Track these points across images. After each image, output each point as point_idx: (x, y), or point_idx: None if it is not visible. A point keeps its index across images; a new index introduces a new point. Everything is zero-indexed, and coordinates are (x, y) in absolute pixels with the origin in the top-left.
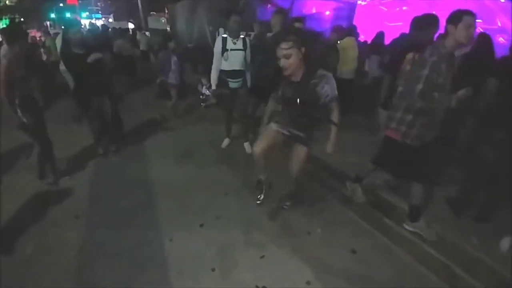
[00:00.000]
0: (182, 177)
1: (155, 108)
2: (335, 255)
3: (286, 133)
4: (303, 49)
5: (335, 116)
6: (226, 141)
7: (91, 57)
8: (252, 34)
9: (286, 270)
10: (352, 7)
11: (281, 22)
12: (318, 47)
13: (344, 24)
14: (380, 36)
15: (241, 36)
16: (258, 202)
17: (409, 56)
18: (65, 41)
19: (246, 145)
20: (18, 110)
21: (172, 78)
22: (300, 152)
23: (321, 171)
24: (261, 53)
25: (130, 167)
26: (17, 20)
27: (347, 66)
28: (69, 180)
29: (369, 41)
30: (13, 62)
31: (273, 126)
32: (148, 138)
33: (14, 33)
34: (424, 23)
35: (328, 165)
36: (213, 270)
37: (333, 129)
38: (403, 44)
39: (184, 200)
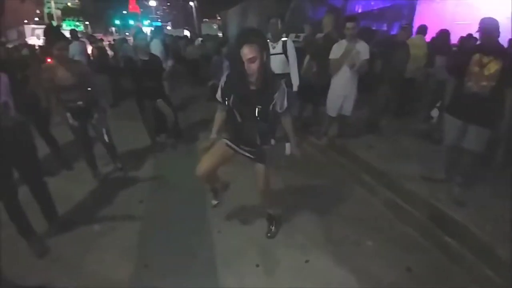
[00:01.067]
0: (230, 174)
1: (207, 108)
2: (386, 270)
3: (237, 149)
4: (265, 54)
5: (289, 128)
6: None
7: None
8: (301, 35)
9: (331, 278)
10: (412, 5)
11: (332, 22)
12: (385, 45)
13: (403, 22)
14: (444, 35)
15: (282, 39)
16: (214, 205)
17: (476, 57)
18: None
19: (287, 145)
20: (68, 115)
21: None
22: (258, 170)
23: (373, 179)
24: (311, 55)
25: (184, 162)
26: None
27: (415, 64)
28: (133, 172)
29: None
30: (51, 67)
31: (224, 141)
32: (201, 136)
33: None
34: (489, 25)
35: (382, 173)
36: (257, 266)
37: (291, 134)
38: (471, 46)
39: (231, 196)
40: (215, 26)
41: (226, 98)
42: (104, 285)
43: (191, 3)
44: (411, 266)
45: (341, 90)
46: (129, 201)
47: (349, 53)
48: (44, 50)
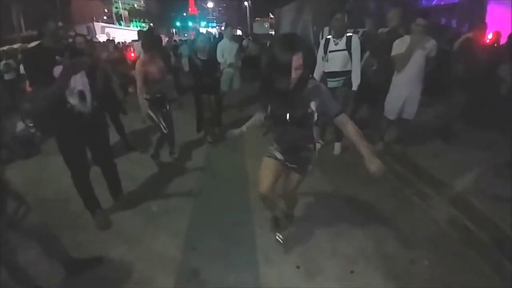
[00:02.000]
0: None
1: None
2: None
3: (285, 163)
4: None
5: (352, 134)
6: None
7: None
8: (361, 31)
9: None
10: (482, 2)
11: (399, 16)
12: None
13: (475, 20)
14: None
15: (347, 35)
16: (280, 239)
17: None
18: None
19: (337, 145)
20: (149, 106)
21: None
22: (293, 178)
23: (435, 192)
24: (372, 52)
25: (231, 155)
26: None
27: None
28: (186, 162)
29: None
30: (147, 63)
31: (272, 153)
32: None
33: (151, 40)
34: None
35: (446, 186)
36: (298, 267)
37: (358, 142)
38: None
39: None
40: (266, 25)
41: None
42: (157, 261)
43: (246, 3)
44: None
45: (403, 91)
46: (182, 188)
47: (414, 49)
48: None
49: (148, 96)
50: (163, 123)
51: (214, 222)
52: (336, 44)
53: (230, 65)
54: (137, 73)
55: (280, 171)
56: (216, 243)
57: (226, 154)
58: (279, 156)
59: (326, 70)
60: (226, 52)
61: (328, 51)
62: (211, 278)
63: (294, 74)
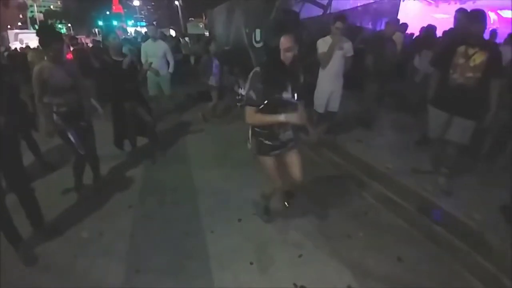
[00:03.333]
0: (220, 176)
1: (197, 109)
2: (378, 261)
3: (279, 151)
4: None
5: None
6: None
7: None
8: None
9: (325, 271)
10: (396, 1)
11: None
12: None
13: (387, 18)
14: (430, 30)
15: None
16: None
17: (461, 49)
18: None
19: None
20: (56, 119)
21: (213, 81)
22: (294, 158)
23: (362, 173)
24: None
25: (174, 166)
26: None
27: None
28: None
29: (416, 35)
30: (46, 68)
31: (265, 149)
32: (187, 138)
33: (48, 34)
34: (475, 18)
35: (371, 166)
36: (251, 263)
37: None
38: (453, 37)
39: (222, 196)
40: (201, 25)
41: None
42: None
43: (176, 2)
44: (402, 256)
45: (328, 86)
46: (117, 207)
47: (334, 49)
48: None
49: (56, 109)
50: (78, 143)
51: (161, 237)
52: None
53: (151, 67)
54: (34, 79)
55: (279, 160)
56: (164, 260)
57: (168, 164)
58: (277, 142)
59: None
60: (150, 54)
61: None
62: None
63: (284, 57)
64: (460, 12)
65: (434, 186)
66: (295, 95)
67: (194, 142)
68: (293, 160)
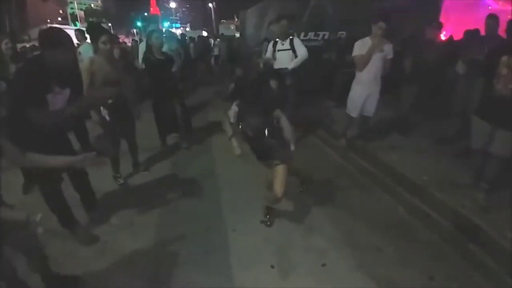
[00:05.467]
0: (245, 174)
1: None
2: (407, 278)
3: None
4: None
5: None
6: None
7: None
8: (321, 34)
9: (348, 283)
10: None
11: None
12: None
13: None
14: (475, 34)
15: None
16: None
17: (504, 59)
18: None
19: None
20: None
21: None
22: (280, 170)
23: (396, 183)
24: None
25: (199, 161)
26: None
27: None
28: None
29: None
30: (96, 61)
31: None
32: (213, 135)
33: (98, 31)
34: None
35: (405, 177)
36: (272, 267)
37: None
38: (497, 46)
39: (245, 195)
40: (232, 27)
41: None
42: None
43: (210, 4)
44: (434, 275)
45: (364, 90)
46: (147, 197)
47: (374, 51)
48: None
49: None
50: (118, 137)
51: (182, 232)
52: (283, 44)
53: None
54: (84, 70)
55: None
56: (183, 254)
57: (190, 160)
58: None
59: (275, 67)
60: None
61: (276, 50)
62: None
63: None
64: (492, 18)
65: (473, 202)
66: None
67: (221, 139)
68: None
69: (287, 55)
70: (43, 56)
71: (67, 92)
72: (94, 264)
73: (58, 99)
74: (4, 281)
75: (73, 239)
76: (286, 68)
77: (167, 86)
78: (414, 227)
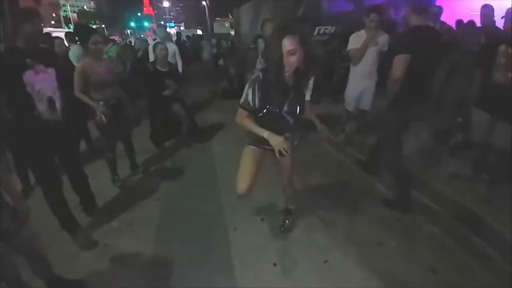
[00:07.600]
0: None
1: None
2: (411, 272)
3: (267, 148)
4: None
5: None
6: None
7: None
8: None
9: (351, 280)
10: None
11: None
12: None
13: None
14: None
15: None
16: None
17: (502, 48)
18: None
19: None
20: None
21: None
22: (286, 164)
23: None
24: None
25: (201, 160)
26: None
27: None
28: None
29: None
30: (88, 64)
31: (250, 147)
32: (212, 134)
33: (85, 31)
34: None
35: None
36: (274, 265)
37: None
38: (494, 36)
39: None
40: (227, 25)
41: (259, 102)
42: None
43: (204, 3)
44: (436, 267)
45: (359, 83)
46: (146, 199)
47: (368, 44)
48: None
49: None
50: (114, 136)
51: (184, 232)
52: None
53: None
54: (76, 74)
55: (260, 164)
56: (186, 254)
57: (193, 159)
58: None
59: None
60: None
61: None
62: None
63: (287, 61)
64: (487, 7)
65: (474, 194)
66: (297, 109)
67: (220, 138)
68: (286, 165)
69: None
70: (15, 32)
71: (52, 72)
72: (95, 267)
73: (43, 77)
74: (8, 284)
75: (73, 242)
76: None
77: (169, 98)
78: (415, 220)
